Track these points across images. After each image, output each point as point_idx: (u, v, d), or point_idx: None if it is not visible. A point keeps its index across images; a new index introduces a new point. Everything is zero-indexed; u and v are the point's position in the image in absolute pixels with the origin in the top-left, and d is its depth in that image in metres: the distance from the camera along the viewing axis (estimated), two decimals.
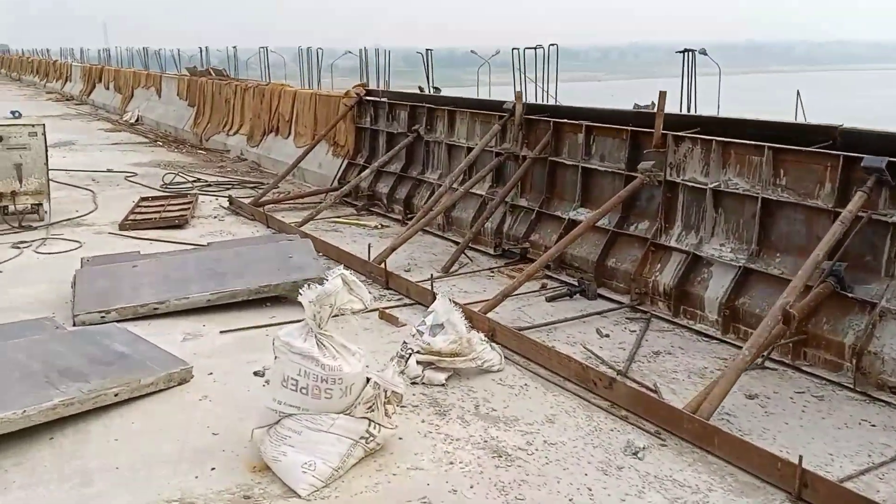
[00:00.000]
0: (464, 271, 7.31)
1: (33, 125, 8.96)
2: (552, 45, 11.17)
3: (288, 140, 12.94)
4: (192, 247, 7.76)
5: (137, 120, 20.62)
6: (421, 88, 10.28)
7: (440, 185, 8.84)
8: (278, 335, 3.85)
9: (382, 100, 10.32)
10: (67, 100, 29.47)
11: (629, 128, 6.46)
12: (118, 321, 5.76)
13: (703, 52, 28.22)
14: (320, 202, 10.59)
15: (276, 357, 3.88)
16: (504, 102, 7.86)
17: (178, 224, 9.03)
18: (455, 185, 7.96)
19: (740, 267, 5.55)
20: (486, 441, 4.17)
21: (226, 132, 15.23)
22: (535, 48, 11.22)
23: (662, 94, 5.99)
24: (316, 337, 3.76)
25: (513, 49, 11.58)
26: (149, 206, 9.91)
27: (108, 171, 12.91)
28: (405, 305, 6.34)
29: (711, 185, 5.77)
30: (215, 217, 9.65)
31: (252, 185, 11.72)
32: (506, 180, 8.00)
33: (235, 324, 5.85)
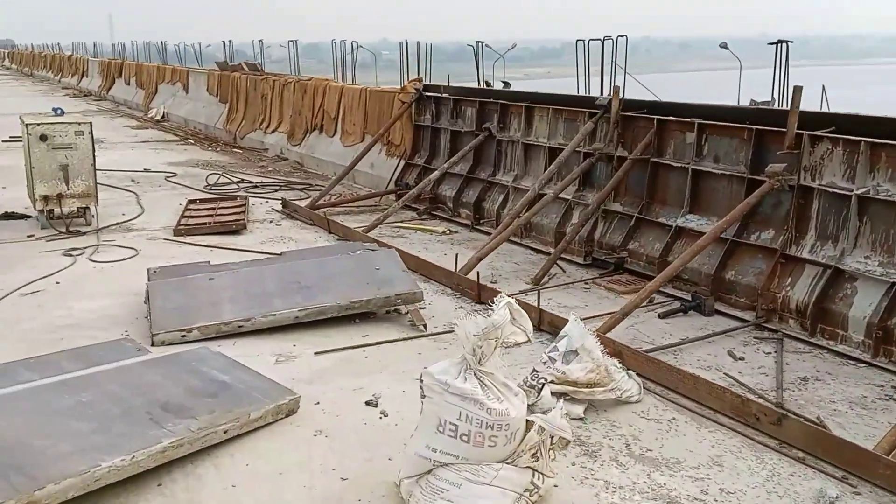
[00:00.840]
0: (556, 283, 6.78)
1: (79, 123, 8.45)
2: (621, 36, 10.60)
3: (334, 139, 12.42)
4: (262, 256, 7.23)
5: (163, 116, 20.13)
6: (487, 83, 9.73)
7: (516, 188, 8.33)
8: (429, 372, 3.32)
9: (444, 95, 9.77)
10: (85, 95, 29.01)
11: (753, 126, 5.89)
12: (200, 340, 5.26)
13: (724, 46, 27.47)
14: (376, 205, 10.11)
15: (424, 396, 3.35)
16: (596, 98, 7.30)
17: (235, 229, 8.51)
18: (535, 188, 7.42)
19: (893, 283, 5.00)
20: (653, 489, 3.64)
21: (263, 130, 14.71)
22: (601, 40, 10.65)
23: (798, 90, 5.43)
24: (476, 375, 3.23)
25: (577, 41, 10.99)
26: (198, 210, 9.40)
27: (146, 170, 12.41)
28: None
29: (858, 191, 5.21)
30: (270, 221, 9.14)
31: (300, 187, 11.19)
32: (593, 183, 7.47)
33: (327, 343, 5.33)
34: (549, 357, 4.44)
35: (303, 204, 9.61)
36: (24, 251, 7.63)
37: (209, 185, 11.31)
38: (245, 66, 16.67)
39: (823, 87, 13.46)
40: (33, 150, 8.20)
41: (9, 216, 8.98)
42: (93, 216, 8.70)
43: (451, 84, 10.04)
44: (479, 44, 13.03)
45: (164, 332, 5.24)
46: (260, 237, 8.36)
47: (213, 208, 9.49)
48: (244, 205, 9.59)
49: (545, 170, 7.99)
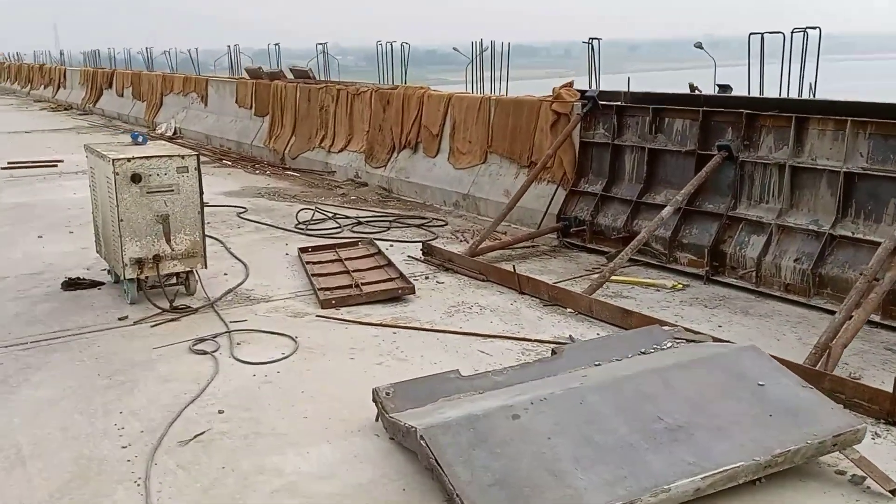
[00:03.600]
0: None
1: (182, 156, 6.12)
2: (814, 28, 8.60)
3: (437, 159, 10.16)
4: (520, 350, 5.04)
5: (175, 132, 17.60)
6: (692, 86, 7.65)
7: (783, 227, 6.22)
8: None
9: (630, 105, 7.61)
10: (66, 109, 26.12)
11: None
12: None
13: (700, 47, 26.13)
14: (533, 245, 7.94)
15: None
16: None
17: (401, 295, 6.26)
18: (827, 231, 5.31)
19: None
20: None
21: (325, 148, 12.37)
22: (791, 32, 8.68)
23: None
24: None
25: (750, 34, 8.99)
26: (322, 264, 7.12)
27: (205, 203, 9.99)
28: None
29: None
30: (425, 277, 6.88)
31: (416, 223, 8.94)
32: None
33: None
34: None
35: (443, 247, 7.39)
36: (130, 347, 5.27)
37: (300, 222, 9.00)
38: (290, 73, 14.28)
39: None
40: (122, 196, 5.85)
41: (75, 284, 6.58)
42: (196, 281, 6.37)
43: (630, 90, 7.88)
44: (594, 41, 10.91)
45: None
46: (436, 305, 6.11)
47: (339, 260, 7.21)
48: (378, 254, 7.33)
49: (838, 202, 5.91)
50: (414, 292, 6.27)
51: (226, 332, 5.50)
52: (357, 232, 8.63)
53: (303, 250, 7.55)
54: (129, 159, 5.88)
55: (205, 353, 5.14)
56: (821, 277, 5.85)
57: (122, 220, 5.88)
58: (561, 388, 3.88)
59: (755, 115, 6.48)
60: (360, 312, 5.93)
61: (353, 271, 6.83)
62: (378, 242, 7.83)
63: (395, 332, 5.51)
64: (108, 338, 5.44)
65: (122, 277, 6.07)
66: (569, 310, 5.95)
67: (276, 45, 19.01)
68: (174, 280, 6.32)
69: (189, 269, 6.23)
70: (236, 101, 15.45)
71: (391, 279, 6.58)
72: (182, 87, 18.23)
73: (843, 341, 4.58)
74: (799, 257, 6.03)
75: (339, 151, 12.04)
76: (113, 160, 5.83)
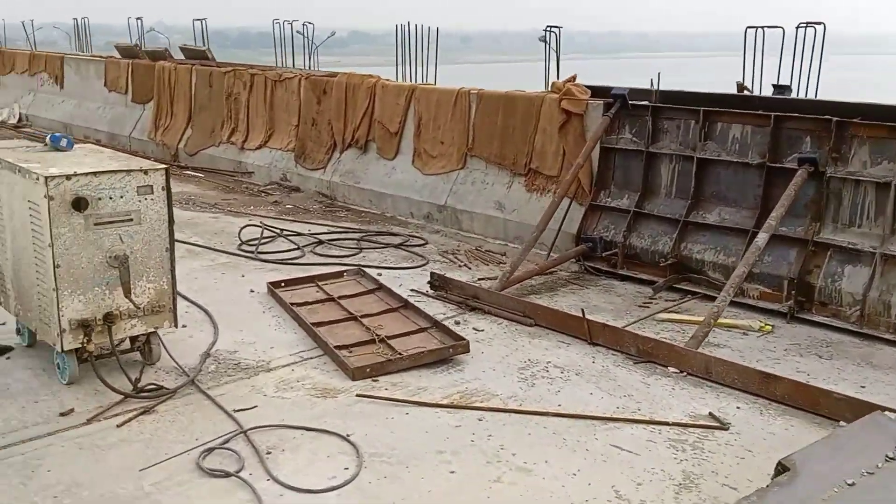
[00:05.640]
0: None
1: (146, 171, 4.25)
2: (816, 23, 7.82)
3: (396, 162, 8.56)
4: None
5: (21, 120, 14.68)
6: (741, 86, 6.57)
7: (889, 257, 5.27)
8: None
9: (671, 106, 6.44)
10: None
11: None
12: None
13: (543, 40, 26.70)
14: (550, 272, 6.61)
15: None
16: None
17: (452, 355, 4.73)
18: None
19: None
20: None
21: (236, 144, 10.36)
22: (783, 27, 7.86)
23: None
24: None
25: (747, 28, 8.10)
26: (310, 306, 5.45)
27: None
28: None
29: None
30: (447, 320, 5.36)
31: (395, 242, 7.35)
32: None
33: None
34: None
35: (444, 273, 5.91)
36: (101, 468, 3.41)
37: (244, 242, 7.16)
38: (179, 53, 12.01)
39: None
40: (59, 231, 3.94)
41: None
42: (159, 346, 4.51)
43: (659, 88, 6.71)
44: (551, 31, 9.74)
45: None
46: (499, 367, 4.65)
47: (332, 299, 5.59)
48: (380, 288, 5.75)
49: None
50: (468, 350, 4.76)
51: (239, 432, 3.76)
52: (323, 255, 6.95)
53: (274, 285, 5.82)
54: (68, 177, 3.96)
55: (226, 474, 3.41)
56: None
57: (58, 266, 3.96)
58: None
59: (845, 122, 5.49)
60: (409, 385, 4.37)
61: (362, 317, 5.22)
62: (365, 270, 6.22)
63: (480, 419, 4.00)
64: (59, 452, 3.55)
65: (56, 347, 4.12)
66: (671, 368, 4.70)
67: (138, 19, 16.29)
68: (132, 345, 4.45)
69: (153, 328, 4.38)
70: (105, 85, 12.92)
71: (423, 330, 5.04)
72: (28, 66, 15.23)
73: None
74: None
75: (257, 149, 10.10)
76: (45, 178, 3.89)
